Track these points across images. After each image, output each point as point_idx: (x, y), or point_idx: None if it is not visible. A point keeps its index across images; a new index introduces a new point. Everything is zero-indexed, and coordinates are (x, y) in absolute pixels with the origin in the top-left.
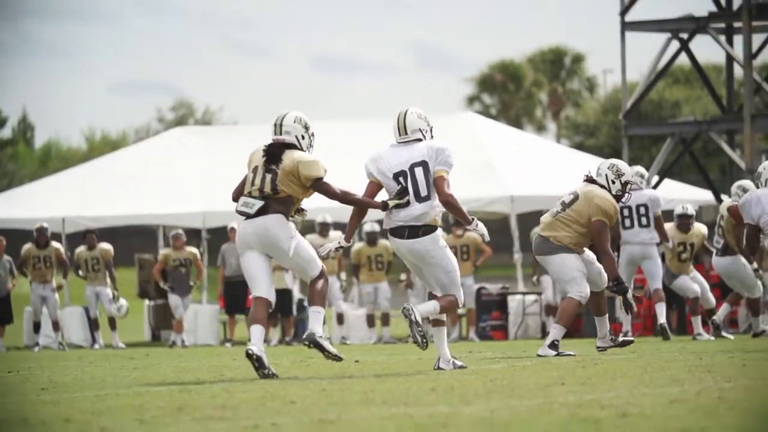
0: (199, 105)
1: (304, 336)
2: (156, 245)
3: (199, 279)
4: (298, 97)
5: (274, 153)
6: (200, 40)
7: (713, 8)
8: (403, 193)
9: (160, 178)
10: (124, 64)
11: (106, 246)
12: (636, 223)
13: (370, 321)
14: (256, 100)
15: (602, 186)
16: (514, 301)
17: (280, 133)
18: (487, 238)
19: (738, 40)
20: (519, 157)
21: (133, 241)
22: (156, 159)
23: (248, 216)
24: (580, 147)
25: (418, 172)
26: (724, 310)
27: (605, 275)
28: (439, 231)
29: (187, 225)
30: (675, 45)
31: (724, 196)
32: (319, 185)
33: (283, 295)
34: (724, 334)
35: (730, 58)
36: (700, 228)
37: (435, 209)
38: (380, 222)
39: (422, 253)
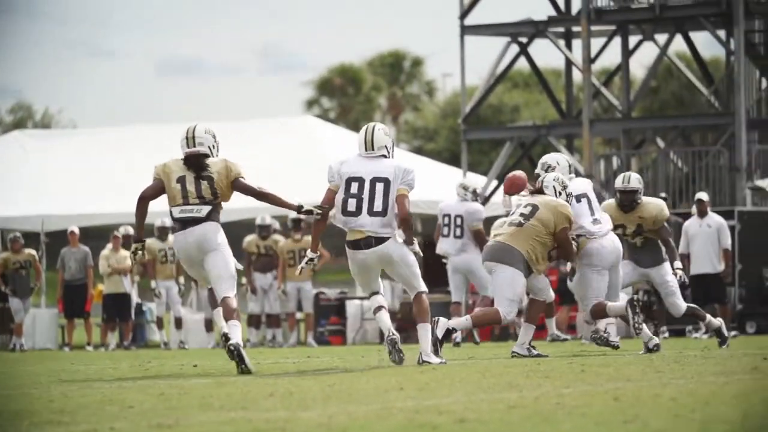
0: (39, 108)
1: (231, 343)
2: None
3: (39, 281)
4: (139, 100)
5: (198, 163)
6: (40, 42)
7: (552, 12)
8: (319, 208)
9: None
10: None
11: None
12: (452, 232)
13: (209, 325)
14: (96, 103)
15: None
16: (352, 306)
17: (194, 145)
18: (420, 255)
19: (577, 44)
20: None
21: None
22: None
23: (194, 221)
24: (419, 151)
25: (379, 187)
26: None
27: (551, 290)
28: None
29: (26, 228)
30: (514, 49)
31: None
32: (240, 183)
33: (122, 299)
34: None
35: (569, 63)
36: None
37: (393, 224)
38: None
39: (389, 256)
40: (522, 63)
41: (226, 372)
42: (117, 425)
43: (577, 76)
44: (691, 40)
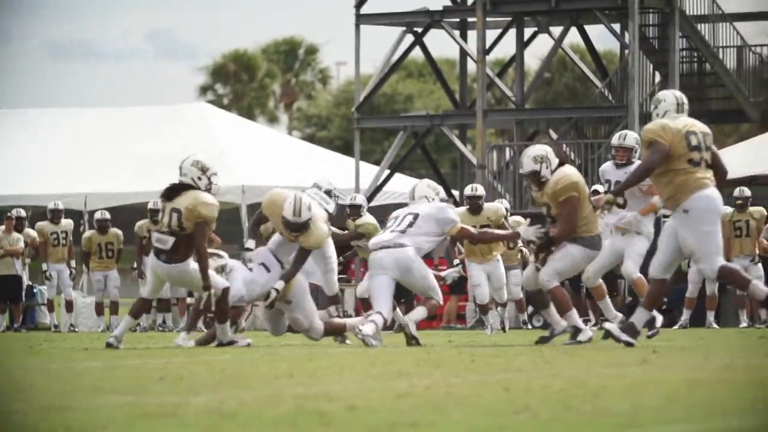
0: None
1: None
2: None
3: None
4: (33, 84)
5: (169, 192)
6: None
7: (448, 2)
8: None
9: None
10: None
11: None
12: None
13: (99, 309)
14: None
15: None
16: None
17: (180, 175)
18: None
19: (472, 35)
20: (251, 148)
21: None
22: None
23: (163, 252)
24: (311, 139)
25: (408, 217)
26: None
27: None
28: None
29: None
30: (409, 38)
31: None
32: (201, 227)
33: (13, 281)
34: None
35: (463, 53)
36: None
37: (415, 244)
38: (110, 210)
39: (406, 263)
40: (417, 52)
41: (116, 356)
42: (9, 407)
43: (471, 66)
44: (586, 33)
